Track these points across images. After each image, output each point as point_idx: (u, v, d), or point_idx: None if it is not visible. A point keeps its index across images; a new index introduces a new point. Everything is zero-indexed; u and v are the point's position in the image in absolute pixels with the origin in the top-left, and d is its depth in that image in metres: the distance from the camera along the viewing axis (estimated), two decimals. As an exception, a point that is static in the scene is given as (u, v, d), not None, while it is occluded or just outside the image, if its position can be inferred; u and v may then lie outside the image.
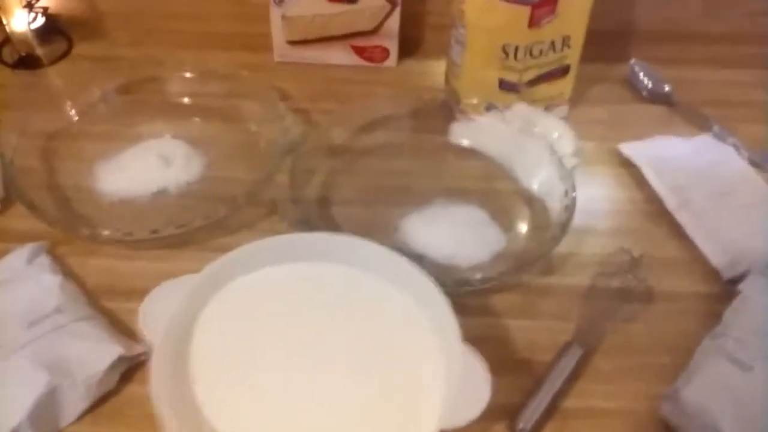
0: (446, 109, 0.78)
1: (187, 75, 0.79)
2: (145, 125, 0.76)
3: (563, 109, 0.79)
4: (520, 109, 0.74)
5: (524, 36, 0.70)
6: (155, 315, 0.52)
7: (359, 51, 0.84)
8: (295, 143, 0.71)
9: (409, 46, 0.88)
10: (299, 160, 0.69)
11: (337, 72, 0.86)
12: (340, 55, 0.85)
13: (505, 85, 0.75)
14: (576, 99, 0.80)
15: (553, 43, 0.72)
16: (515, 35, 0.71)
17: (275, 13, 0.81)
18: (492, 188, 0.73)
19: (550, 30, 0.71)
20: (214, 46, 0.87)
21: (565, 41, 0.73)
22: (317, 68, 0.86)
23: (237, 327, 0.55)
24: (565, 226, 0.64)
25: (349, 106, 0.78)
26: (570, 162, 0.72)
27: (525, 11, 0.68)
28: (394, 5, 0.80)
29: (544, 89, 0.76)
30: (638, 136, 0.77)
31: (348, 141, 0.76)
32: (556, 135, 0.73)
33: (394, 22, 0.81)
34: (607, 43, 0.82)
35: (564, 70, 0.76)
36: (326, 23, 0.81)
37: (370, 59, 0.85)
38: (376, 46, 0.84)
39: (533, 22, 0.69)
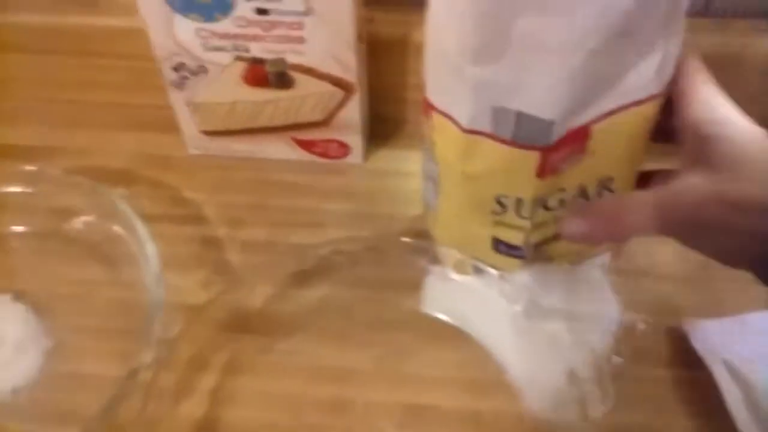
0: (424, 248, 0.51)
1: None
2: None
3: (601, 259, 0.51)
4: (523, 279, 0.47)
5: (532, 186, 0.41)
6: None
7: (306, 145, 0.58)
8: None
9: (385, 129, 0.61)
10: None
11: (279, 171, 0.60)
12: (281, 150, 0.59)
13: (501, 248, 0.46)
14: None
15: (583, 189, 0.43)
16: (517, 185, 0.42)
17: (177, 99, 0.55)
18: (473, 408, 0.47)
19: (578, 173, 0.42)
20: (117, 125, 0.63)
21: (604, 184, 0.43)
22: (251, 165, 0.60)
23: None
24: None
25: (278, 252, 0.53)
26: (606, 360, 0.46)
27: (531, 157, 0.39)
28: (348, 93, 0.53)
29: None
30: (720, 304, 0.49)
31: (269, 304, 0.52)
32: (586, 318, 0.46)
33: (351, 112, 0.54)
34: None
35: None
36: (254, 112, 0.55)
37: (323, 155, 0.59)
38: (330, 140, 0.57)
39: (545, 171, 0.40)
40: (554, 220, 0.44)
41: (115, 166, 0.60)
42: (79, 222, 0.55)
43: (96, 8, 0.59)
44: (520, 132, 0.38)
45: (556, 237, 0.45)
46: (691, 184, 0.35)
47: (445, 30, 0.37)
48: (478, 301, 0.49)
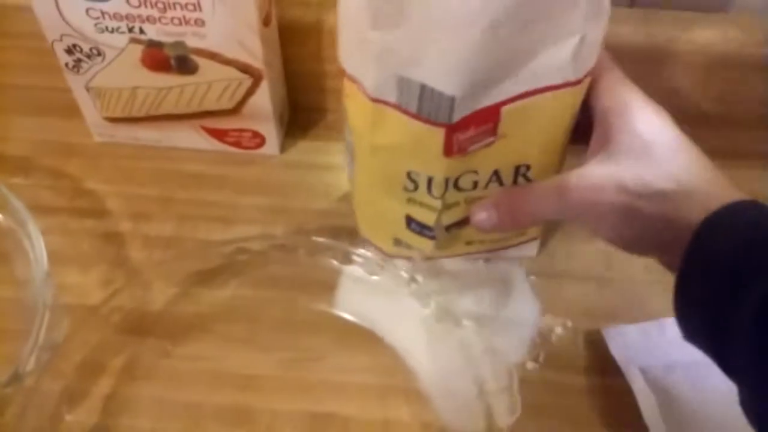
0: (336, 247, 0.49)
1: None
2: None
3: (527, 248, 0.49)
4: (433, 283, 0.45)
5: (441, 165, 0.39)
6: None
7: (218, 134, 0.55)
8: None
9: (305, 118, 0.58)
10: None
11: (190, 162, 0.56)
12: (191, 139, 0.55)
13: (414, 226, 0.45)
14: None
15: (497, 174, 0.42)
16: (426, 162, 0.40)
17: (76, 84, 0.51)
18: (382, 417, 0.44)
19: (491, 156, 0.40)
20: (15, 109, 0.58)
21: (521, 171, 0.42)
22: (159, 155, 0.56)
23: None
24: None
25: (181, 249, 0.50)
26: (518, 367, 0.44)
27: (437, 134, 0.37)
28: (256, 79, 0.49)
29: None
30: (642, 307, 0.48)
31: (170, 305, 0.49)
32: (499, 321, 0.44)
33: (262, 100, 0.51)
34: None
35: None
36: (157, 98, 0.52)
37: (237, 145, 0.55)
38: (243, 130, 0.54)
39: (451, 150, 0.38)
40: (467, 202, 0.43)
41: (13, 153, 0.56)
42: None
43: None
44: (424, 106, 0.36)
45: (467, 220, 0.44)
46: (592, 171, 0.36)
47: None
48: (389, 303, 0.47)
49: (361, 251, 0.47)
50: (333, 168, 0.55)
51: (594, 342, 0.46)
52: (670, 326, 0.47)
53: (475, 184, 0.42)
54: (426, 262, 0.47)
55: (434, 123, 0.37)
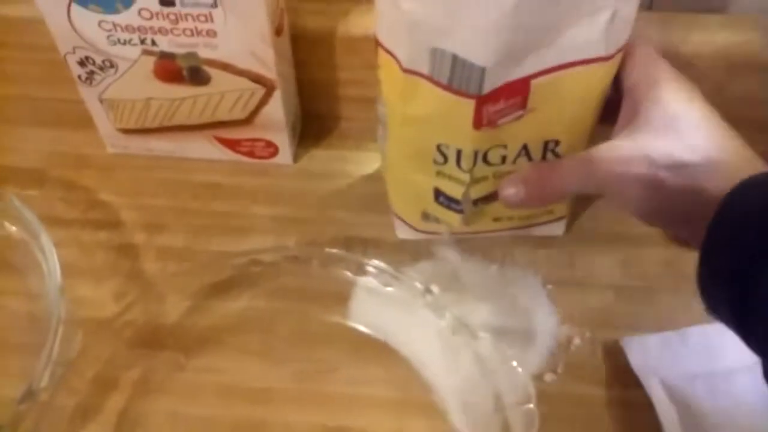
0: (349, 258, 0.48)
1: None
2: None
3: (554, 227, 0.49)
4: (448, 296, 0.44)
5: (470, 138, 0.40)
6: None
7: (231, 144, 0.54)
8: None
9: (318, 127, 0.58)
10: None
11: (203, 172, 0.56)
12: (205, 149, 0.55)
13: (442, 199, 0.45)
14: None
15: (526, 149, 0.42)
16: (456, 135, 0.40)
17: (89, 95, 0.51)
18: (397, 430, 0.44)
19: (520, 131, 0.40)
20: (29, 121, 0.58)
21: (550, 147, 0.42)
22: (173, 165, 0.56)
23: None
24: None
25: (195, 262, 0.50)
26: (536, 380, 0.43)
27: (467, 105, 0.38)
28: (269, 89, 0.49)
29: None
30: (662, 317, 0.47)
31: (184, 318, 0.48)
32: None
33: (275, 109, 0.51)
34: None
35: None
36: (170, 109, 0.51)
37: (250, 155, 0.55)
38: (257, 140, 0.54)
39: (481, 122, 0.39)
40: (495, 177, 0.43)
41: (26, 165, 0.56)
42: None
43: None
44: (455, 77, 0.37)
45: (497, 196, 0.44)
46: (620, 144, 0.37)
47: None
48: (404, 314, 0.46)
49: (375, 262, 0.46)
50: (346, 177, 0.55)
51: (613, 352, 0.46)
52: (692, 336, 0.46)
53: (504, 159, 0.42)
54: (441, 274, 0.47)
55: (465, 94, 0.37)
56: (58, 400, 0.43)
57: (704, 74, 0.51)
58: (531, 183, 0.40)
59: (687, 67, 0.50)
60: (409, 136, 0.42)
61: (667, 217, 0.37)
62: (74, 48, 0.47)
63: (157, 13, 0.44)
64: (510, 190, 0.41)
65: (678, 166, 0.35)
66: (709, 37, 0.50)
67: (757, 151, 0.36)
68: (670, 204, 0.36)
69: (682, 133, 0.35)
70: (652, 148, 0.35)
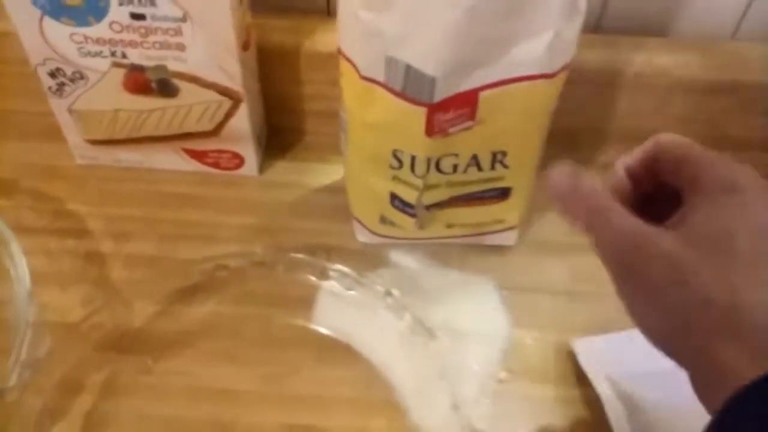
0: (314, 263, 0.50)
1: None
2: None
3: (506, 237, 0.52)
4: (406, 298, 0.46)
5: (424, 145, 0.42)
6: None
7: (198, 156, 0.56)
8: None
9: (283, 140, 0.59)
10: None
11: (171, 183, 0.57)
12: (172, 160, 0.56)
13: (397, 203, 0.48)
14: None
15: (476, 159, 0.44)
16: (410, 142, 0.43)
17: (59, 107, 0.53)
18: (359, 428, 0.45)
19: (470, 141, 0.43)
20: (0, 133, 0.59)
21: (498, 158, 0.45)
22: (141, 176, 0.57)
23: None
24: None
25: (161, 268, 0.51)
26: (491, 379, 0.45)
27: (419, 113, 0.40)
28: (236, 102, 0.51)
29: (468, 213, 0.49)
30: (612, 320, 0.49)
31: (151, 322, 0.49)
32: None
33: (241, 122, 0.52)
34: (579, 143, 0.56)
35: (500, 195, 0.48)
36: (138, 120, 0.53)
37: (216, 166, 0.57)
38: (222, 151, 0.55)
39: (433, 130, 0.41)
40: (448, 185, 0.46)
41: None
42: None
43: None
44: (408, 85, 0.39)
45: (449, 203, 0.47)
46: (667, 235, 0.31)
47: None
48: (366, 317, 0.48)
49: (338, 267, 0.48)
50: (310, 188, 0.57)
51: (564, 353, 0.48)
52: (638, 337, 0.48)
53: (455, 168, 0.44)
54: (402, 279, 0.49)
55: (417, 102, 0.40)
56: (25, 400, 0.43)
57: (646, 93, 0.55)
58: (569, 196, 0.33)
59: (632, 86, 0.54)
60: (367, 141, 0.45)
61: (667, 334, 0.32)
62: (45, 60, 0.49)
63: (127, 26, 0.45)
64: (562, 178, 0.32)
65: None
66: (652, 58, 0.54)
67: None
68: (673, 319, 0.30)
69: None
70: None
